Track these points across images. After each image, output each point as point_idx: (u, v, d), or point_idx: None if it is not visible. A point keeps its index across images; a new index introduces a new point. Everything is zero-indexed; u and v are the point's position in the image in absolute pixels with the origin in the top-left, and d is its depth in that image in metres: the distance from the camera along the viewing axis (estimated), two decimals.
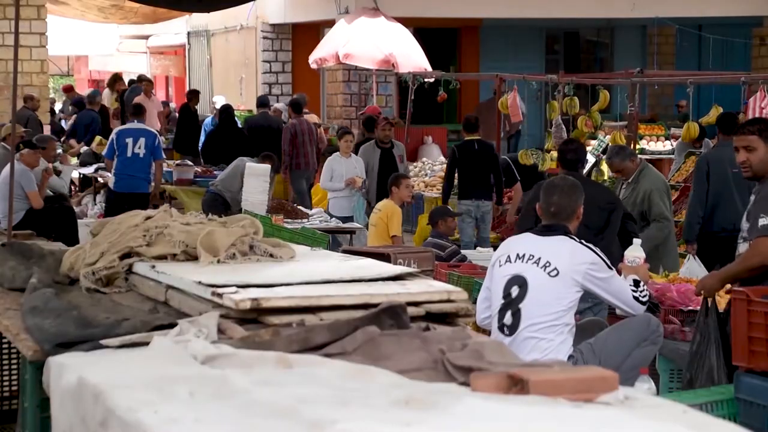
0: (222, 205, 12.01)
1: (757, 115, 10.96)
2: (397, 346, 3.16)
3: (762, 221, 5.58)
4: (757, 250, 5.57)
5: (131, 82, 23.24)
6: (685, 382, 5.76)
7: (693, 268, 9.13)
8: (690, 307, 6.92)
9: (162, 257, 4.43)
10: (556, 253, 5.73)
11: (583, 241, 5.87)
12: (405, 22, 18.83)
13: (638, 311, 5.89)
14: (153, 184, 13.56)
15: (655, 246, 9.29)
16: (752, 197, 5.90)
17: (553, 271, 5.70)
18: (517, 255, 5.83)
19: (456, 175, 12.72)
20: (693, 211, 9.76)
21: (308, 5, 21.30)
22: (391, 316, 3.37)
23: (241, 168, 12.31)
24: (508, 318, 5.79)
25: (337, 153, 13.32)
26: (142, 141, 13.42)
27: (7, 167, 8.65)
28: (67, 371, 3.21)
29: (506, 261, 5.86)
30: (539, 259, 5.75)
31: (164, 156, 14.09)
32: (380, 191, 12.63)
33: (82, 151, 18.27)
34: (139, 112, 14.25)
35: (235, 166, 12.78)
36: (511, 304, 5.78)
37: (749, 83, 12.29)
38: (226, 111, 17.27)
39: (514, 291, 5.78)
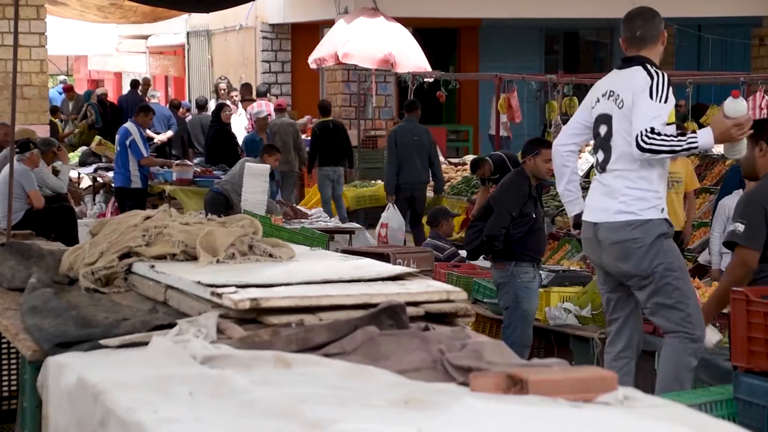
0: (224, 204, 12.00)
1: (756, 116, 10.98)
2: (397, 346, 3.16)
3: (731, 227, 5.62)
4: (742, 261, 5.55)
5: (134, 82, 23.25)
6: None
7: (392, 214, 13.42)
8: None
9: (161, 257, 4.43)
10: (625, 83, 5.85)
11: (652, 66, 5.87)
12: (404, 22, 18.82)
13: (636, 152, 5.71)
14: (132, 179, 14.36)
15: None
16: None
17: (620, 103, 5.84)
18: (602, 94, 5.99)
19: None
20: (390, 170, 13.78)
21: (308, 5, 21.30)
22: (391, 316, 3.37)
23: (244, 168, 12.31)
24: (600, 155, 5.98)
25: None
26: (116, 138, 14.84)
27: (7, 167, 8.64)
28: (66, 371, 3.21)
29: (596, 102, 6.04)
30: (612, 92, 5.92)
31: (143, 153, 14.45)
32: None
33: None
34: (137, 112, 14.90)
35: (239, 166, 12.77)
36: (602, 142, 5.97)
37: (748, 83, 12.30)
38: (217, 111, 17.30)
39: (602, 130, 5.96)
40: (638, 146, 5.65)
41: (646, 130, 5.64)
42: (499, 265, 8.25)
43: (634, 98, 5.76)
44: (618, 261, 5.92)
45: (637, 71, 5.83)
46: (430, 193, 14.66)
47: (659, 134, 5.63)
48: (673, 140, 5.65)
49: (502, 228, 8.12)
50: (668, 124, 5.73)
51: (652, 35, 5.97)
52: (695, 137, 5.70)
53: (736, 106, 5.75)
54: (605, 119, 5.93)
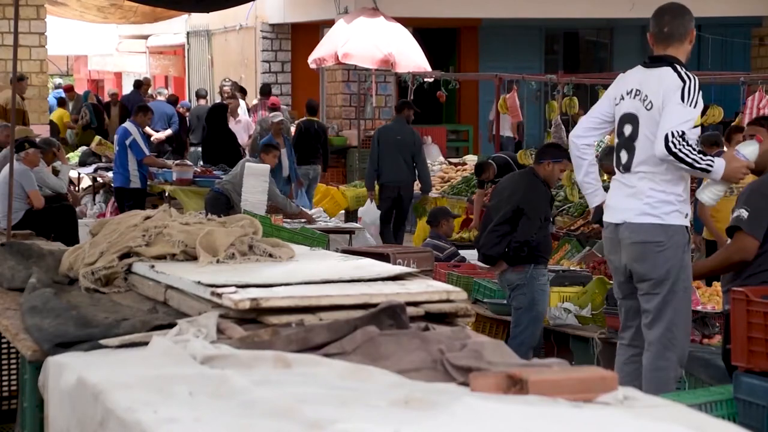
0: (225, 204, 12.00)
1: (754, 115, 11.00)
2: (397, 346, 3.16)
3: (736, 213, 5.60)
4: (739, 246, 5.53)
5: (137, 83, 23.25)
6: None
7: (367, 209, 13.92)
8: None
9: (161, 257, 4.43)
10: (654, 84, 5.78)
11: (682, 68, 5.81)
12: (404, 21, 18.83)
13: (659, 149, 5.67)
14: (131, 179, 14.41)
15: None
16: None
17: (648, 104, 5.77)
18: (627, 92, 5.90)
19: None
20: (370, 168, 14.08)
21: (308, 5, 21.30)
22: (391, 315, 3.37)
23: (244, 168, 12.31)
24: (623, 155, 5.91)
25: None
26: (115, 138, 14.93)
27: (7, 167, 8.64)
28: (66, 371, 3.21)
29: (620, 99, 5.95)
30: (639, 92, 5.84)
31: (145, 153, 14.51)
32: None
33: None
34: (136, 112, 14.96)
35: (240, 166, 12.77)
36: (626, 142, 5.89)
37: (748, 83, 12.30)
38: (215, 110, 17.29)
39: (627, 129, 5.88)
40: (666, 146, 5.61)
41: (678, 133, 5.61)
42: (517, 268, 8.19)
43: (664, 100, 5.71)
44: (634, 261, 5.89)
45: (667, 72, 5.78)
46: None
47: (688, 143, 5.62)
48: (696, 156, 5.65)
49: (534, 234, 8.11)
50: (694, 127, 5.76)
51: (680, 33, 5.91)
52: (712, 163, 5.68)
53: (755, 150, 5.80)
54: (630, 119, 5.88)
